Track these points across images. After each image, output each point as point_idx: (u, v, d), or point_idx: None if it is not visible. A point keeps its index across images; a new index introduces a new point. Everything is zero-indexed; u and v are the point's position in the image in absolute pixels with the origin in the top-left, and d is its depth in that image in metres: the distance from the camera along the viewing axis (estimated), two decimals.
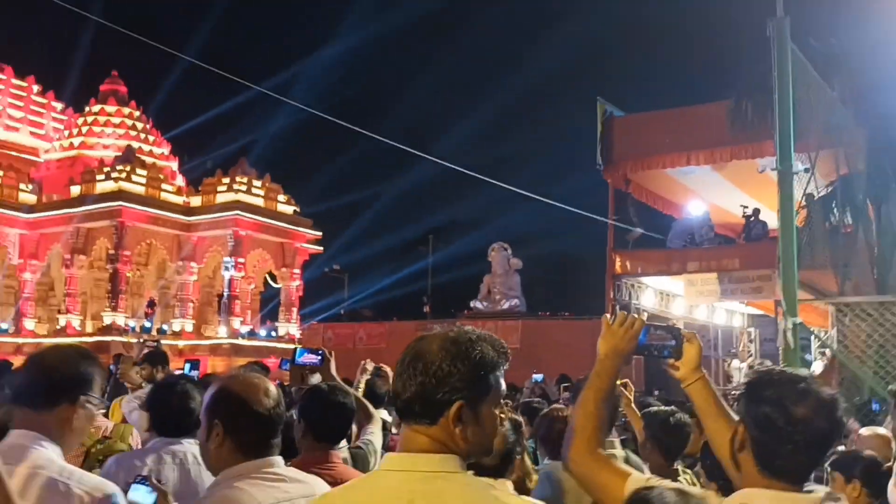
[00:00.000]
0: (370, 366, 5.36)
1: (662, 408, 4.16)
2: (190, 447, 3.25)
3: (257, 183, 35.22)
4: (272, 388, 2.29)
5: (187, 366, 7.80)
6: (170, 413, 3.37)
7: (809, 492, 1.89)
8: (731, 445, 1.95)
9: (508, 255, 36.17)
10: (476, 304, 36.38)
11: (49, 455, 2.15)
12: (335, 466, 3.22)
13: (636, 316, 2.15)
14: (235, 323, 33.69)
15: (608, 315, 2.17)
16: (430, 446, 1.65)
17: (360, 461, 3.66)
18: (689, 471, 3.94)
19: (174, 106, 48.16)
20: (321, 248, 37.80)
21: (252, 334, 34.16)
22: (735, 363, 22.52)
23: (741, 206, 20.25)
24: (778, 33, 7.28)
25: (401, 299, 42.64)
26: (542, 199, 21.77)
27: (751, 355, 22.19)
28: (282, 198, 36.07)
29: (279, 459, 2.24)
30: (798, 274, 7.23)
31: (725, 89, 16.09)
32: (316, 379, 4.16)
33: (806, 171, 8.14)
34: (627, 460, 3.71)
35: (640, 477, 2.00)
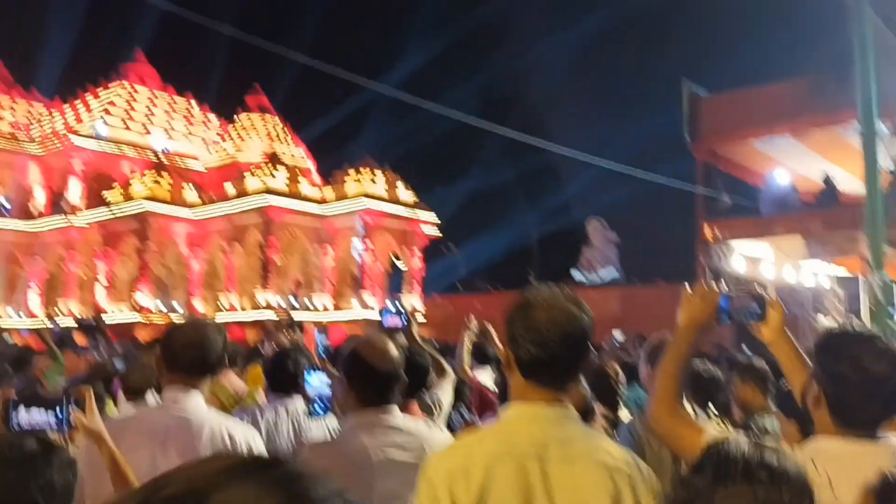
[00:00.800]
0: (473, 324, 5.16)
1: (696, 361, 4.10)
2: (299, 403, 3.49)
3: (379, 174, 35.46)
4: (392, 350, 2.33)
5: (319, 337, 7.99)
6: (282, 376, 3.57)
7: (879, 437, 1.78)
8: (804, 399, 1.90)
9: (605, 229, 35.37)
10: (576, 273, 35.75)
11: (203, 404, 2.41)
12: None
13: (713, 287, 2.04)
14: (367, 299, 34.12)
15: (687, 286, 2.07)
16: (550, 399, 1.69)
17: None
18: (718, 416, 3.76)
19: (309, 110, 49.50)
20: (439, 234, 37.77)
21: (383, 311, 34.35)
22: (823, 320, 21.25)
23: (823, 172, 19.02)
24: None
25: (507, 270, 42.42)
26: (637, 174, 20.92)
27: (838, 313, 20.90)
28: (401, 185, 36.23)
29: (394, 409, 2.27)
30: (885, 232, 6.66)
31: (804, 62, 15.03)
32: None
33: (893, 135, 7.47)
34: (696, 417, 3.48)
35: (716, 431, 1.97)
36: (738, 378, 4.36)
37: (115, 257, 35.90)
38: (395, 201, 35.54)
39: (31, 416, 1.99)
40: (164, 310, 33.79)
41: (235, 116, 40.52)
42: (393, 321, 4.19)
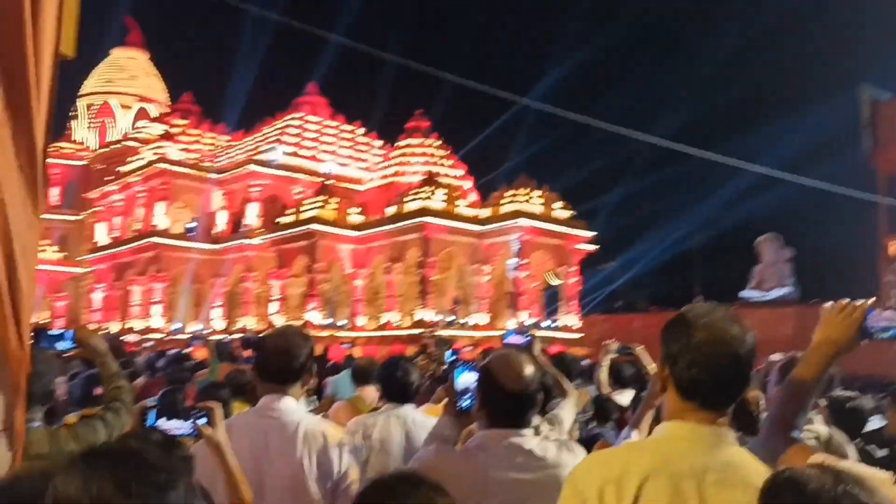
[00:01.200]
0: (614, 346, 5.05)
1: (843, 393, 3.82)
2: (411, 411, 3.58)
3: (536, 193, 35.43)
4: (528, 370, 2.22)
5: (448, 353, 7.99)
6: (394, 385, 3.64)
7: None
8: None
9: (780, 244, 33.01)
10: (747, 293, 33.65)
11: (297, 407, 2.52)
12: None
13: (859, 303, 1.85)
14: (523, 316, 34.02)
15: (830, 304, 1.88)
16: (708, 419, 1.62)
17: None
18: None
19: (470, 132, 50.26)
20: (595, 248, 37.09)
21: (537, 325, 34.15)
22: None
23: None
24: None
25: (667, 286, 40.67)
26: (807, 182, 19.35)
27: None
28: (558, 204, 35.99)
29: (525, 431, 2.18)
30: None
31: None
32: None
33: None
34: (830, 441, 3.18)
35: (818, 456, 1.71)
36: (892, 405, 3.99)
37: (287, 276, 37.82)
38: (551, 219, 35.25)
39: (170, 425, 2.11)
40: (330, 325, 35.17)
41: (398, 141, 41.81)
42: (514, 340, 4.07)
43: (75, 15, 2.04)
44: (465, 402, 2.35)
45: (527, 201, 34.87)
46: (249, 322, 38.60)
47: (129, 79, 57.46)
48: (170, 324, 40.32)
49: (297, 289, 37.84)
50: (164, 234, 41.14)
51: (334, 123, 45.58)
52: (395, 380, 3.64)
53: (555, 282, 36.66)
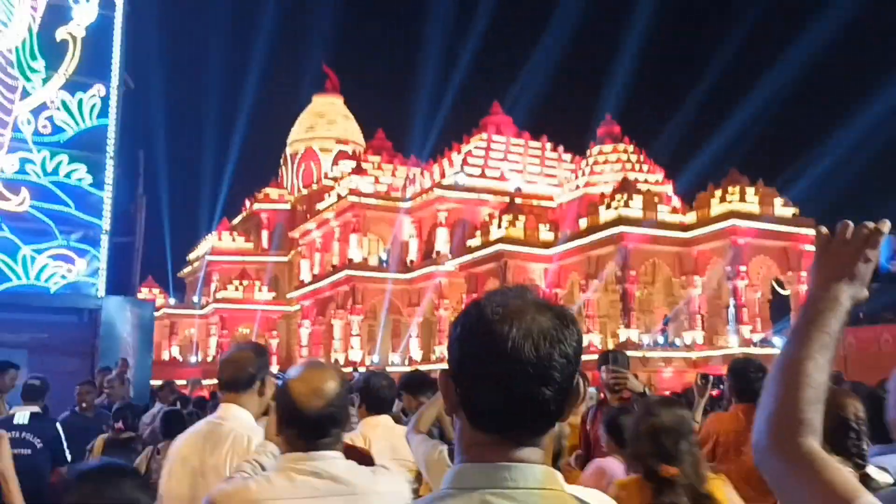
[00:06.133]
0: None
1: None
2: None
3: (750, 190, 31.15)
4: (329, 384, 1.98)
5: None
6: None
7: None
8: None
9: None
10: None
11: (242, 414, 2.64)
12: None
13: (869, 225, 1.20)
14: (745, 331, 29.57)
15: (823, 228, 1.24)
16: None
17: None
18: None
19: (664, 133, 46.00)
20: None
21: (765, 342, 29.42)
22: None
23: None
24: None
25: None
26: None
27: None
28: (778, 201, 31.40)
29: (326, 455, 1.96)
30: None
31: None
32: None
33: None
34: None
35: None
36: None
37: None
38: (772, 218, 30.49)
39: None
40: None
41: (587, 150, 39.23)
42: None
43: None
44: None
45: (740, 200, 30.68)
46: (445, 351, 36.96)
47: (328, 124, 59.53)
48: (370, 356, 39.88)
49: None
50: (359, 266, 41.10)
51: (520, 141, 44.07)
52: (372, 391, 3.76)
53: (782, 291, 31.23)
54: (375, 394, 3.73)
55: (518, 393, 0.98)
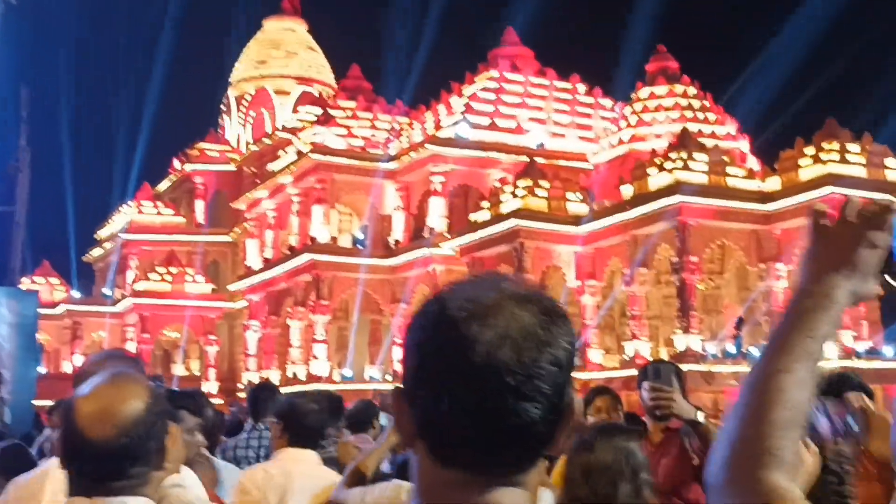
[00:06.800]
0: None
1: None
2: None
3: (853, 147, 31.43)
4: (127, 408, 1.95)
5: None
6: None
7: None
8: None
9: None
10: None
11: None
12: None
13: (880, 200, 1.35)
14: (847, 338, 29.79)
15: (820, 205, 1.44)
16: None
17: None
18: None
19: (737, 72, 45.46)
20: None
21: (873, 353, 29.89)
22: None
23: None
24: None
25: None
26: None
27: None
28: (892, 162, 31.79)
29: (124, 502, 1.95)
30: None
31: None
32: None
33: None
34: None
35: None
36: None
37: None
38: (883, 184, 30.44)
39: None
40: None
41: (632, 94, 39.34)
42: None
43: None
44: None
45: (840, 161, 30.89)
46: None
47: (286, 57, 59.30)
48: (339, 369, 39.67)
49: None
50: (326, 248, 41.09)
51: (543, 80, 44.13)
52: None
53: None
54: (301, 421, 3.90)
55: (494, 414, 1.01)
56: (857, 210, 1.29)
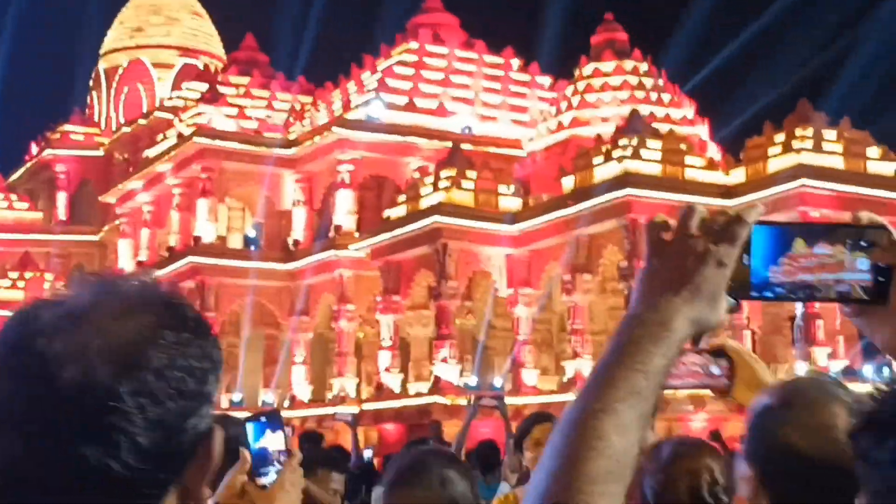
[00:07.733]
0: None
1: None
2: None
3: (829, 134, 32.08)
4: None
5: None
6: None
7: None
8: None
9: None
10: None
11: None
12: None
13: (729, 211, 1.31)
14: (820, 356, 30.88)
15: (660, 216, 1.37)
16: None
17: None
18: None
19: (695, 47, 45.84)
20: None
21: (850, 372, 29.97)
22: None
23: None
24: None
25: None
26: None
27: None
28: (873, 151, 32.52)
29: None
30: None
31: None
32: None
33: None
34: None
35: None
36: None
37: (400, 307, 36.84)
38: (863, 177, 31.73)
39: None
40: (474, 387, 32.74)
41: (577, 70, 39.76)
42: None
43: None
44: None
45: (814, 149, 31.45)
46: (349, 386, 37.64)
47: (166, 23, 59.12)
48: (227, 393, 38.67)
49: (422, 328, 37.47)
50: (212, 249, 40.86)
51: (471, 54, 44.60)
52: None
53: None
54: None
55: (52, 457, 0.94)
56: (701, 220, 1.23)
